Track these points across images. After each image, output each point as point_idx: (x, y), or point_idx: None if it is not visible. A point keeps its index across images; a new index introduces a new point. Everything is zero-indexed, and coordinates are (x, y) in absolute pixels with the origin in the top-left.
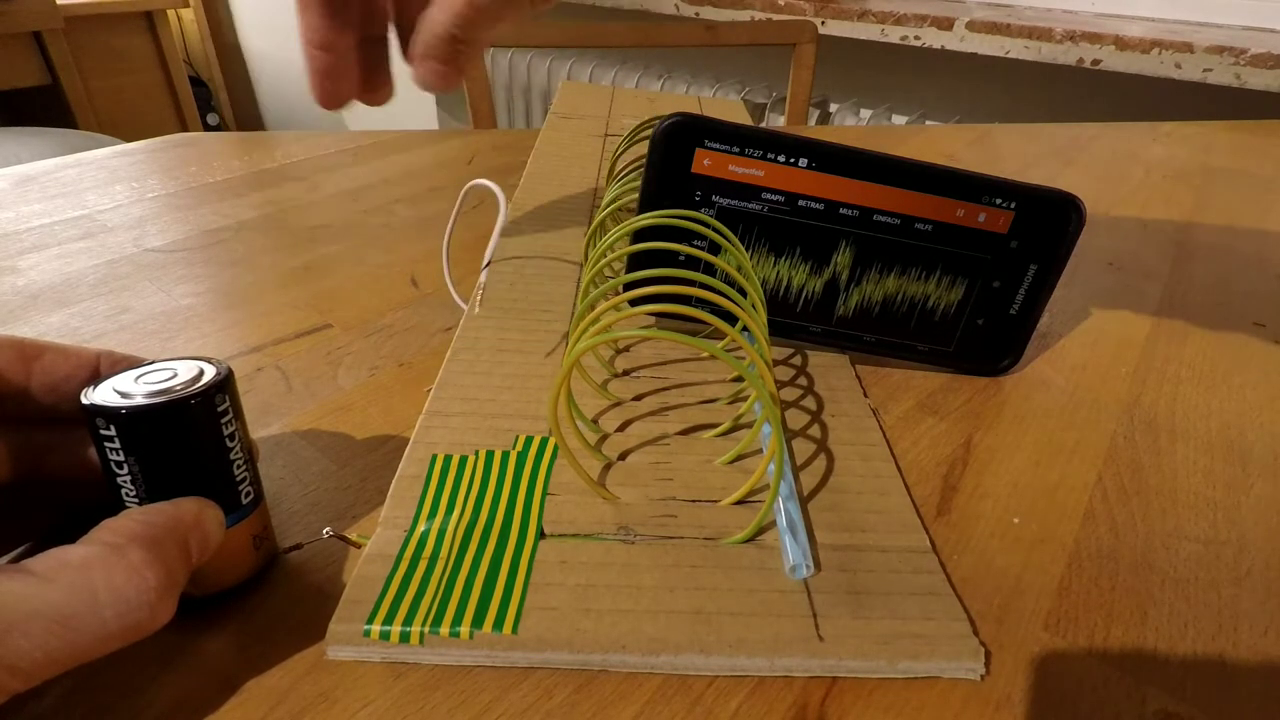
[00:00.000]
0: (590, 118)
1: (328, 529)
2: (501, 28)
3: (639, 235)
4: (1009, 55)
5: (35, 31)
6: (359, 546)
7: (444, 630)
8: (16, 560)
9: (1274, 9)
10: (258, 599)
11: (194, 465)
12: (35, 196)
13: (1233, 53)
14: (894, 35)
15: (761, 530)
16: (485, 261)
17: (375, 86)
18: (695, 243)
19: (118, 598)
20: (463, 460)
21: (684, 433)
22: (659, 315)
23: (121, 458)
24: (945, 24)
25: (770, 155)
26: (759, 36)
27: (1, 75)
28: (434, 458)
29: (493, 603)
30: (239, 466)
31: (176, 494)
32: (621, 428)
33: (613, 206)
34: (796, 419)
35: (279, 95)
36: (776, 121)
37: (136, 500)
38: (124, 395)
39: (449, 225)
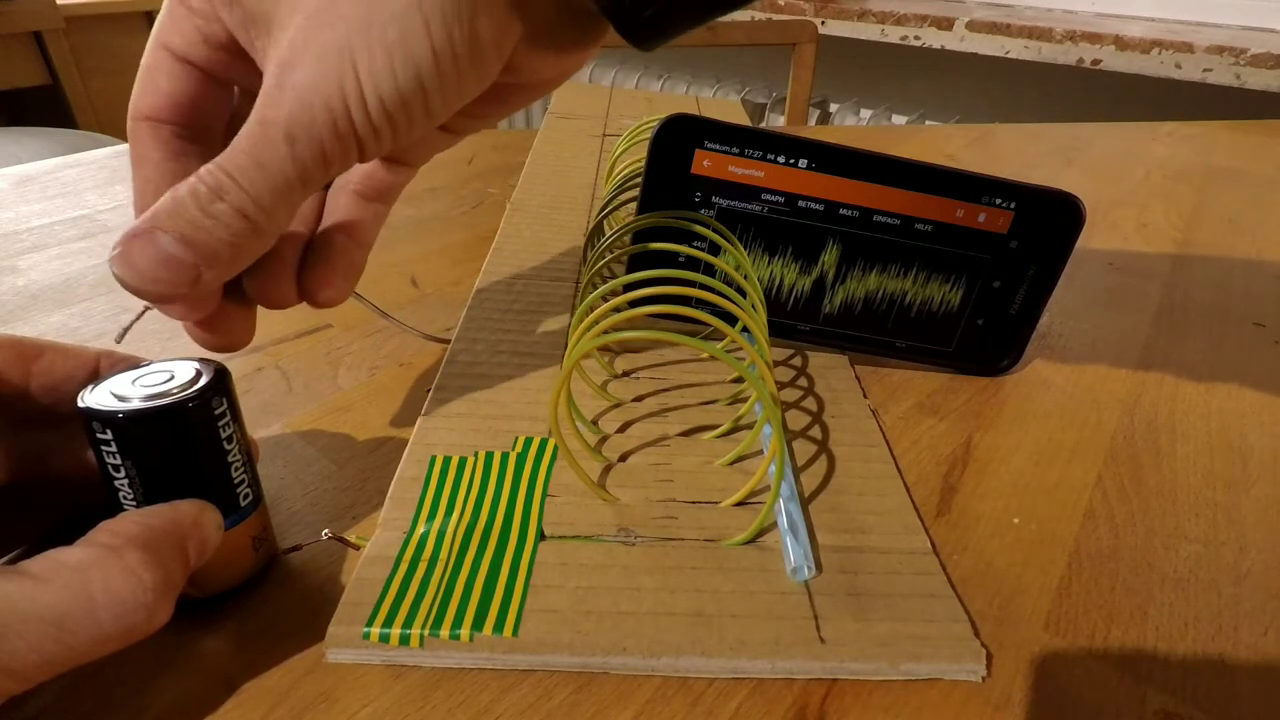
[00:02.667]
0: (588, 118)
1: (326, 530)
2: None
3: (639, 236)
4: (1009, 55)
5: (35, 31)
6: (358, 549)
7: (444, 633)
8: (14, 562)
9: (1274, 9)
10: (257, 600)
11: (191, 468)
12: (35, 196)
13: (1233, 53)
14: (894, 35)
15: (762, 532)
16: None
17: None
18: (695, 243)
19: (114, 600)
20: (462, 461)
21: (684, 434)
22: (659, 316)
23: (118, 461)
24: (945, 24)
25: (770, 156)
26: (759, 36)
27: (1, 75)
28: (433, 459)
29: (493, 605)
30: (237, 469)
31: (174, 497)
32: (622, 429)
33: (612, 207)
34: (796, 420)
35: None
36: (776, 121)
37: (134, 503)
38: (120, 398)
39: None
